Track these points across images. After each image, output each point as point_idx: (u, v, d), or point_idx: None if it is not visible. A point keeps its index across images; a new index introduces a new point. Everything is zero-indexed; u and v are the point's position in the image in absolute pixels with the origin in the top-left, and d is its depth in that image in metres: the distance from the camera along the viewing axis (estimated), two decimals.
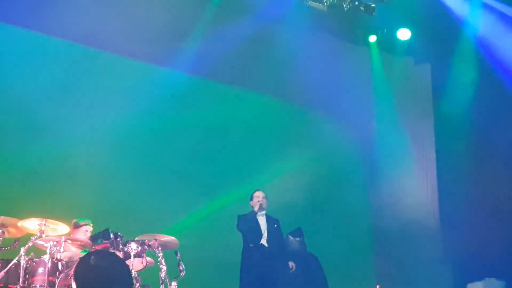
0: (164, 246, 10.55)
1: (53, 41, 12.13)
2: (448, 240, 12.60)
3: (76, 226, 10.52)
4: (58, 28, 11.94)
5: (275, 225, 11.33)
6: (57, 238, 9.99)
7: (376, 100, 13.47)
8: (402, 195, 13.14)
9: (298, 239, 11.37)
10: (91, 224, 10.59)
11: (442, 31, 12.84)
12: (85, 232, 10.47)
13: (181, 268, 10.51)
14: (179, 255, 10.57)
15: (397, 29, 12.64)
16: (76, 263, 9.73)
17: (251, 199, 11.40)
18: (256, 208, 11.28)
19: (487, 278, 10.66)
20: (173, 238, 10.60)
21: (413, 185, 13.13)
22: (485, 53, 12.59)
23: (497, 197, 12.29)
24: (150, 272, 10.57)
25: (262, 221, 11.31)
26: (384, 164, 13.62)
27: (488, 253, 11.54)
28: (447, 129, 13.00)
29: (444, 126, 13.11)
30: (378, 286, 12.00)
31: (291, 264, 11.26)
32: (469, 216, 12.30)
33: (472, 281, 10.85)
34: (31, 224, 10.00)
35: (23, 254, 9.74)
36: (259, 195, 11.35)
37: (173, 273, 10.46)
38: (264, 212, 11.32)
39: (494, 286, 10.63)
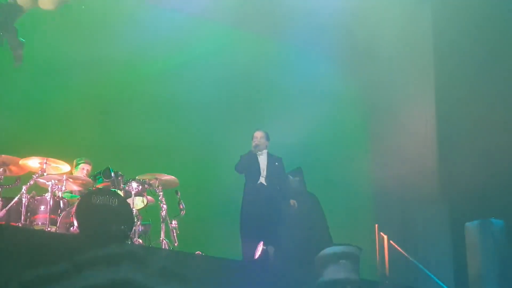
0: (165, 185, 10.62)
1: None
2: (445, 181, 12.65)
3: (77, 165, 10.59)
4: None
5: (276, 163, 11.27)
6: (58, 177, 10.04)
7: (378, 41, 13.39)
8: (403, 137, 13.10)
9: (297, 178, 11.36)
10: (91, 164, 10.63)
11: None
12: (83, 171, 10.53)
13: (181, 207, 10.62)
14: (179, 194, 10.66)
15: None
16: (77, 201, 9.83)
17: (252, 139, 11.32)
18: (256, 149, 11.20)
19: (484, 218, 10.61)
20: (173, 177, 10.65)
21: (415, 126, 13.08)
22: None
23: (496, 140, 12.26)
24: (151, 210, 10.64)
25: (263, 160, 11.24)
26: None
27: (486, 194, 11.59)
28: (447, 68, 12.93)
29: (444, 66, 13.04)
30: (376, 225, 12.13)
31: (292, 202, 11.22)
32: (466, 157, 12.29)
33: (469, 220, 10.77)
34: (32, 163, 10.05)
35: (24, 192, 9.83)
36: (257, 135, 11.27)
37: (173, 212, 10.56)
38: (265, 151, 11.24)
39: (491, 225, 10.55)
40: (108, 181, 10.12)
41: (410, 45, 13.18)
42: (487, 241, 10.45)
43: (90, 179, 10.26)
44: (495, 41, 12.62)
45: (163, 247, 10.28)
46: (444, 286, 11.23)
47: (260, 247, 10.75)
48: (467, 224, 10.76)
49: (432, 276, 11.35)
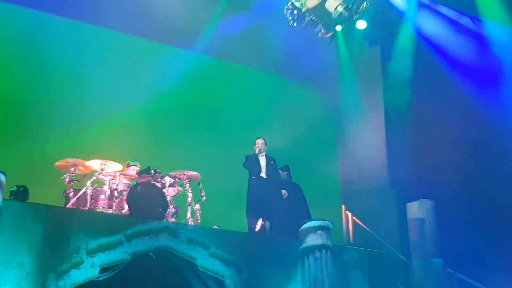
0: (190, 178, 10.56)
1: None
2: (393, 172, 12.47)
3: (128, 166, 10.52)
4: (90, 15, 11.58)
5: (272, 162, 11.15)
6: (113, 174, 10.02)
7: (341, 72, 13.22)
8: (362, 143, 13.01)
9: (286, 173, 11.23)
10: (138, 165, 10.54)
11: (389, 22, 12.60)
12: (133, 170, 10.45)
13: (202, 194, 10.56)
14: (201, 185, 10.60)
15: (356, 21, 12.25)
16: (127, 191, 9.81)
17: (254, 144, 11.17)
18: (256, 151, 11.10)
19: (420, 199, 10.58)
20: (197, 173, 10.59)
21: (368, 135, 12.97)
22: (419, 37, 12.38)
23: (429, 141, 12.14)
24: (180, 197, 10.56)
25: (262, 160, 11.09)
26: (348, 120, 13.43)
27: (422, 181, 11.46)
28: (393, 93, 12.80)
29: (390, 90, 12.91)
30: (343, 206, 12.03)
31: (283, 191, 11.05)
32: (407, 155, 12.18)
33: (410, 201, 10.72)
34: (94, 164, 10.04)
35: (89, 185, 9.83)
36: (258, 142, 11.14)
37: (197, 198, 10.49)
38: (264, 153, 11.11)
39: (426, 205, 10.50)
40: (149, 176, 10.05)
41: (363, 74, 13.08)
42: (423, 216, 10.39)
43: (136, 175, 10.22)
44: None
45: (190, 224, 10.18)
46: (393, 249, 11.10)
47: (260, 222, 10.71)
48: (408, 203, 10.70)
49: (384, 242, 11.23)
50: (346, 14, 11.47)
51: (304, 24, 11.64)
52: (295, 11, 11.58)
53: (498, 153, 11.99)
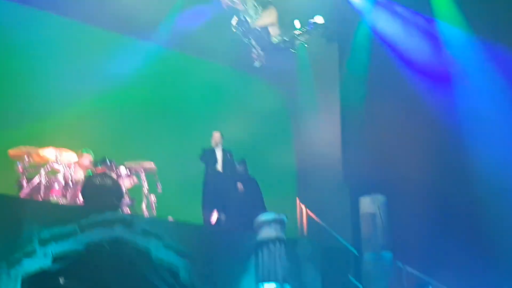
0: (146, 170, 10.56)
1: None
2: (347, 167, 12.65)
3: (82, 155, 10.42)
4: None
5: (228, 156, 11.25)
6: (68, 163, 9.92)
7: (298, 68, 13.33)
8: (317, 137, 13.14)
9: (242, 166, 11.36)
10: (92, 154, 10.48)
11: (346, 20, 12.78)
12: (87, 160, 10.38)
13: (158, 185, 10.58)
14: (157, 176, 10.59)
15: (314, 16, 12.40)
16: (82, 181, 9.74)
17: (211, 137, 11.25)
18: (213, 144, 11.17)
19: (373, 194, 10.68)
20: (153, 164, 10.58)
21: (324, 130, 13.11)
22: (375, 35, 12.59)
23: (386, 135, 12.28)
24: (135, 188, 10.53)
25: (219, 153, 11.19)
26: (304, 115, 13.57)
27: (374, 177, 11.64)
28: (349, 89, 12.97)
29: (347, 86, 13.07)
30: (298, 199, 12.14)
31: (239, 184, 11.18)
32: (361, 151, 12.36)
33: (363, 196, 10.83)
34: (49, 153, 9.94)
35: (43, 174, 9.69)
36: (215, 135, 11.25)
37: (152, 189, 10.48)
38: (220, 147, 11.18)
39: (378, 200, 10.63)
40: (105, 167, 10.01)
41: (320, 70, 13.21)
42: (375, 210, 10.52)
43: (92, 165, 10.17)
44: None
45: (145, 215, 10.21)
46: (345, 242, 11.27)
47: (215, 215, 10.85)
48: (361, 198, 10.82)
49: (337, 235, 11.37)
50: (282, 45, 11.97)
51: (246, 41, 11.91)
52: (244, 25, 11.85)
53: (449, 150, 12.30)
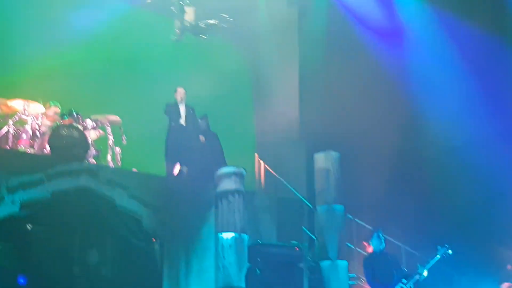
0: (112, 122, 10.67)
1: None
2: (304, 125, 12.95)
3: (49, 107, 10.48)
4: None
5: (191, 111, 11.33)
6: (36, 114, 10.00)
7: (260, 30, 13.45)
8: (276, 98, 13.37)
9: (204, 121, 11.43)
10: (59, 106, 10.54)
11: None
12: (54, 111, 10.45)
13: (123, 138, 10.71)
14: (122, 129, 10.73)
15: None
16: (49, 132, 9.85)
17: (175, 92, 11.27)
18: (178, 100, 11.23)
19: (327, 150, 10.81)
20: (118, 117, 10.71)
21: (283, 90, 13.34)
22: None
23: (342, 95, 12.58)
24: (101, 140, 10.66)
25: (182, 108, 11.26)
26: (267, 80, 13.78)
27: (329, 135, 11.89)
28: (308, 51, 13.17)
29: (305, 48, 13.27)
30: (256, 154, 12.45)
31: (201, 137, 11.30)
32: (317, 112, 12.65)
33: (317, 152, 10.98)
34: (17, 104, 10.01)
35: (11, 124, 9.80)
36: (179, 91, 11.28)
37: (117, 142, 10.63)
38: (184, 102, 11.22)
39: (332, 156, 10.79)
40: (71, 119, 10.09)
41: (279, 33, 13.32)
42: (328, 166, 10.71)
43: (59, 117, 10.27)
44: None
45: (110, 166, 10.39)
46: (300, 195, 11.65)
47: (177, 167, 10.98)
48: (316, 154, 11.01)
49: (292, 189, 11.72)
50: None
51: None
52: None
53: (401, 108, 12.69)
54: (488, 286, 10.67)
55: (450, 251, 8.64)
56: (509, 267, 9.70)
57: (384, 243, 9.13)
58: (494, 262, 10.99)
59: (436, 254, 8.66)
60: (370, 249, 9.02)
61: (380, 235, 9.08)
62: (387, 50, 12.58)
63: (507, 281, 9.74)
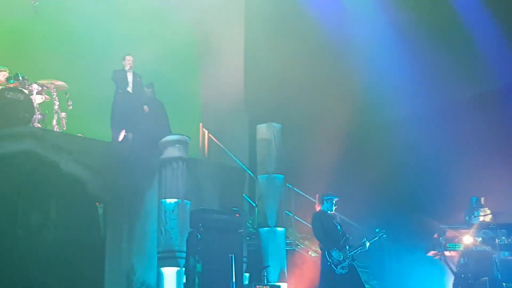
0: (58, 88, 10.66)
1: None
2: (248, 96, 13.25)
3: None
4: None
5: (138, 79, 11.34)
6: None
7: (209, 3, 13.46)
8: (222, 66, 13.42)
9: (150, 89, 11.48)
10: (7, 70, 10.46)
11: None
12: (1, 75, 10.37)
13: (69, 103, 10.71)
14: (68, 94, 10.74)
15: None
16: None
17: (123, 60, 11.26)
18: (126, 67, 11.21)
19: (269, 122, 10.96)
20: (64, 83, 10.70)
21: (229, 61, 13.39)
22: None
23: (285, 67, 12.74)
24: (47, 105, 10.66)
25: (130, 76, 11.28)
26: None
27: (273, 105, 12.13)
28: (254, 22, 13.28)
29: (252, 20, 13.38)
30: (201, 124, 12.60)
31: (145, 107, 11.34)
32: (263, 80, 12.79)
33: (260, 124, 11.14)
34: None
35: None
36: (127, 58, 11.25)
37: (63, 107, 10.62)
38: (131, 70, 11.22)
39: (274, 128, 10.98)
40: (17, 82, 10.05)
41: (227, 4, 13.34)
42: (270, 137, 10.92)
43: (4, 80, 10.19)
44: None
45: (55, 130, 10.40)
46: (242, 164, 11.86)
47: (123, 133, 11.06)
48: (258, 125, 11.18)
49: (235, 158, 11.92)
50: None
51: None
52: None
53: (345, 81, 12.95)
54: (418, 254, 11.17)
55: (385, 236, 9.11)
56: (435, 236, 10.26)
57: (333, 210, 9.34)
58: (423, 232, 11.48)
59: (375, 236, 9.13)
60: (318, 208, 9.30)
61: (334, 201, 9.32)
62: (330, 21, 12.71)
63: (433, 249, 10.31)
